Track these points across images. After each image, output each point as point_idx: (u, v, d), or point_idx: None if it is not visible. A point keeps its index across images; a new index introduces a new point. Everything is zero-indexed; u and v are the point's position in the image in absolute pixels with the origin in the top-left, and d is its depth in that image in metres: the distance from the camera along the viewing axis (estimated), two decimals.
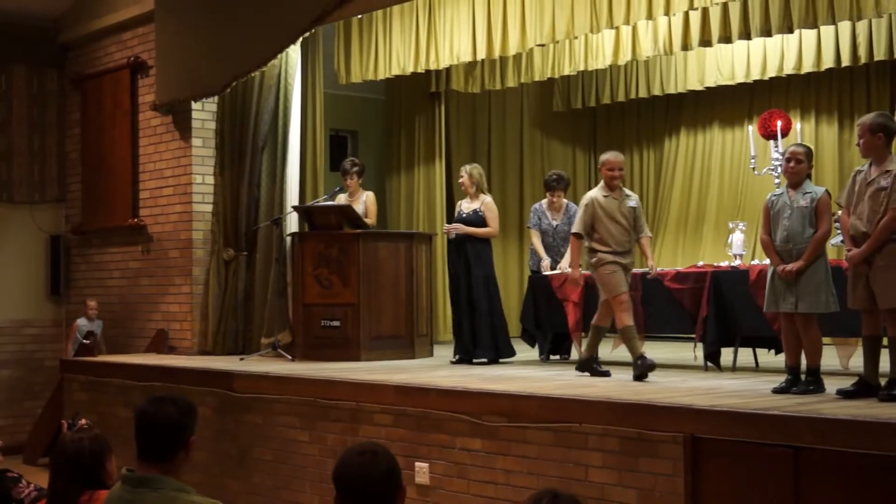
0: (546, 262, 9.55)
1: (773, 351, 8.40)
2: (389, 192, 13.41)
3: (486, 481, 6.78)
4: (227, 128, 10.77)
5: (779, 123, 9.59)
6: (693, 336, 8.38)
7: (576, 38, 10.29)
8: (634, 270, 8.19)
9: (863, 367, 6.25)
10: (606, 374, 7.84)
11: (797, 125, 10.34)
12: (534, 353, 9.68)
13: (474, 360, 9.10)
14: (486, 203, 9.24)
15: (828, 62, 11.38)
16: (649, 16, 9.13)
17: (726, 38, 9.54)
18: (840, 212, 6.56)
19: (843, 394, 6.14)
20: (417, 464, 7.14)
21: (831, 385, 6.40)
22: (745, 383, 7.12)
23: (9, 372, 12.19)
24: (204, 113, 10.91)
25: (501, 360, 9.16)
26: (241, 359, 9.84)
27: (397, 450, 7.02)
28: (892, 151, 6.29)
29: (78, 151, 12.38)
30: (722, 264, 8.64)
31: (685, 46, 10.04)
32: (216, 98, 10.71)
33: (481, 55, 10.29)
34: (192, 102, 10.76)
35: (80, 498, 4.25)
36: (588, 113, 14.44)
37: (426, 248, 10.09)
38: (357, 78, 11.46)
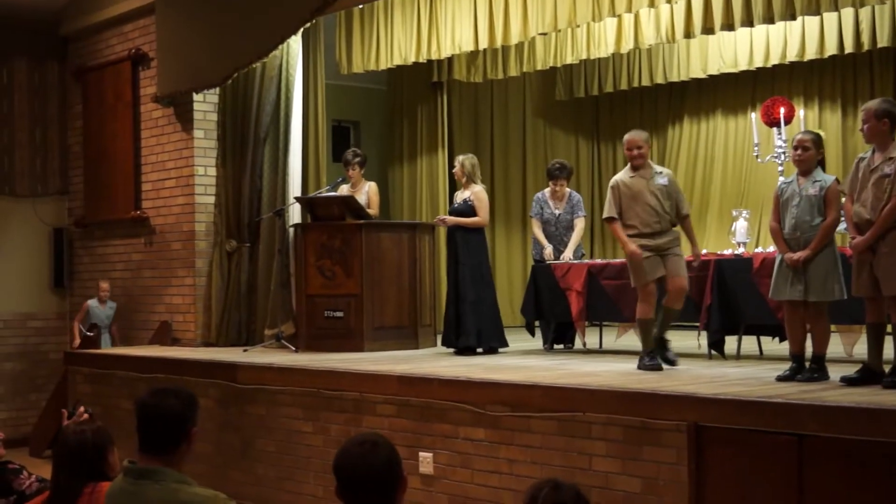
0: (548, 249, 9.54)
1: (777, 339, 8.38)
2: (392, 182, 13.39)
3: (490, 471, 6.78)
4: (228, 119, 10.75)
5: (782, 111, 9.56)
6: (697, 324, 8.36)
7: (578, 26, 10.26)
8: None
9: (867, 354, 6.25)
10: (671, 362, 7.49)
11: (800, 112, 10.30)
12: (537, 342, 9.66)
13: (457, 347, 9.04)
14: (475, 192, 9.19)
15: (831, 49, 11.34)
16: (651, 3, 9.11)
17: (729, 26, 9.50)
18: (844, 199, 6.54)
19: (847, 381, 6.13)
20: (421, 454, 7.14)
21: (835, 372, 6.39)
22: (749, 371, 7.11)
23: (13, 365, 12.20)
24: (205, 104, 10.89)
25: (489, 350, 9.08)
26: (245, 350, 9.84)
27: (401, 440, 7.03)
28: None
29: (80, 144, 12.37)
30: (725, 252, 8.62)
31: (687, 34, 10.00)
32: (218, 89, 10.69)
33: (483, 44, 10.26)
34: (194, 94, 10.74)
35: (83, 490, 4.25)
36: (591, 102, 14.42)
37: (429, 239, 10.08)
38: (359, 68, 11.43)
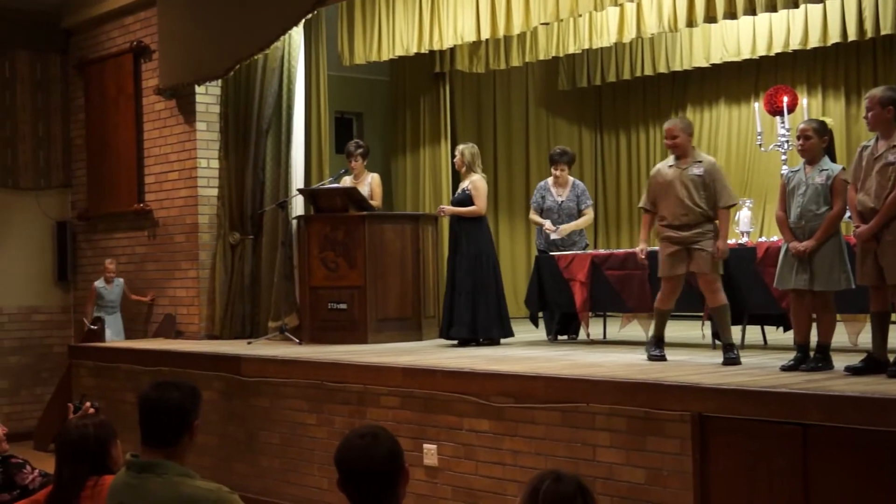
0: (547, 223, 9.53)
1: (780, 328, 8.37)
2: (395, 173, 13.37)
3: (494, 462, 6.78)
4: (231, 111, 10.74)
5: (785, 99, 9.54)
6: (701, 314, 8.34)
7: (580, 16, 10.25)
8: (634, 249, 8.01)
9: (871, 343, 6.23)
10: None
11: (803, 101, 10.28)
12: (541, 333, 9.65)
13: (448, 338, 9.04)
14: (473, 181, 9.16)
15: (834, 37, 11.31)
16: None
17: (731, 14, 9.45)
18: (848, 188, 6.51)
19: (852, 370, 6.12)
20: (425, 445, 7.14)
21: (840, 362, 6.38)
22: (754, 361, 7.09)
23: (17, 358, 12.22)
24: (208, 96, 10.89)
25: (491, 341, 9.08)
26: (249, 342, 9.84)
27: (405, 432, 7.04)
28: None
29: (82, 137, 12.37)
30: (729, 242, 8.60)
31: (690, 23, 9.96)
32: (220, 81, 10.69)
33: (485, 35, 10.23)
34: (196, 86, 10.74)
35: (86, 484, 4.25)
36: (593, 91, 14.39)
37: (432, 230, 10.07)
38: (361, 59, 11.41)
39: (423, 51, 10.95)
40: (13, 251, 12.25)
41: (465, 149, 9.31)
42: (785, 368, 6.40)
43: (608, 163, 14.58)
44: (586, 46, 11.61)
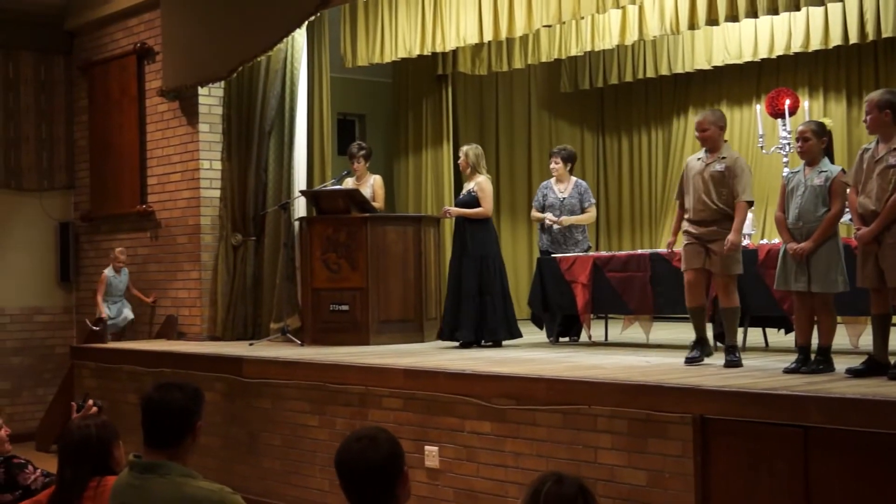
0: (548, 215, 9.55)
1: (782, 330, 8.37)
2: (397, 175, 13.39)
3: (496, 464, 6.78)
4: (233, 113, 10.76)
5: (787, 102, 9.55)
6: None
7: (582, 18, 10.26)
8: (641, 251, 7.99)
9: (872, 345, 6.24)
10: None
11: (805, 103, 10.28)
12: (542, 335, 9.66)
13: (454, 340, 9.04)
14: (479, 183, 9.15)
15: (835, 40, 11.32)
16: None
17: (733, 17, 9.46)
18: (849, 190, 6.52)
19: (853, 373, 6.12)
20: (427, 447, 7.15)
21: (841, 364, 6.38)
22: (755, 363, 7.09)
23: (20, 359, 12.23)
24: (211, 98, 10.91)
25: (503, 343, 9.09)
26: (251, 344, 9.85)
27: (406, 433, 7.04)
28: None
29: (86, 138, 12.39)
30: None
31: (692, 25, 9.98)
32: (223, 83, 10.70)
33: (488, 37, 10.24)
34: (199, 88, 10.75)
35: (89, 484, 4.26)
36: (595, 93, 14.41)
37: (434, 232, 10.08)
38: (363, 61, 11.43)
39: (425, 53, 10.97)
40: (16, 252, 12.27)
41: (470, 150, 9.30)
42: (787, 371, 6.40)
43: (610, 165, 14.59)
44: (588, 49, 11.62)
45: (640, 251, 9.37)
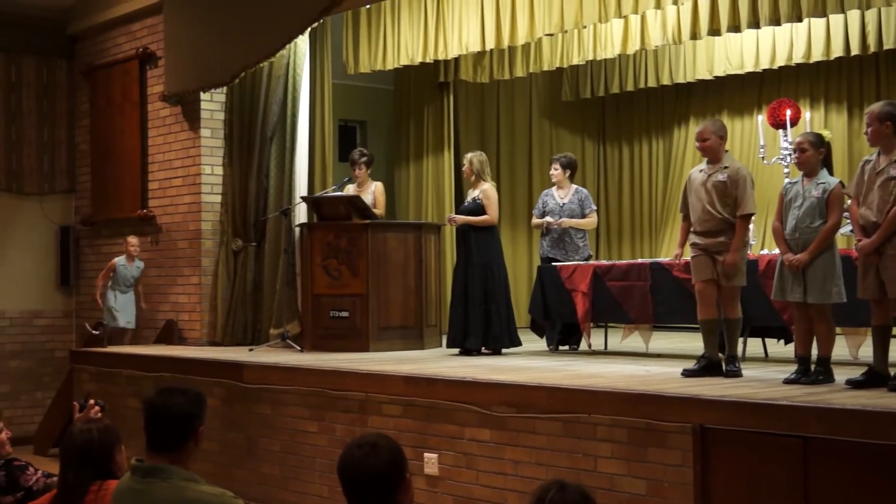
0: (547, 218, 9.59)
1: (782, 341, 8.38)
2: (398, 182, 13.41)
3: (495, 472, 6.78)
4: (235, 118, 10.77)
5: (788, 112, 9.57)
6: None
7: (584, 27, 10.27)
8: (642, 260, 7.97)
9: (872, 357, 6.24)
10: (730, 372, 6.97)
11: (806, 114, 10.31)
12: (543, 343, 9.66)
13: (464, 348, 9.03)
14: (484, 190, 9.15)
15: (837, 51, 11.35)
16: (658, 4, 9.11)
17: (735, 27, 9.50)
18: (850, 202, 6.53)
19: (853, 384, 6.13)
20: (426, 454, 7.15)
21: (841, 375, 6.39)
22: (755, 373, 7.10)
23: (19, 363, 12.23)
24: (213, 103, 10.91)
25: (503, 351, 9.09)
26: (251, 349, 9.85)
27: (406, 440, 7.04)
28: None
29: (87, 142, 12.39)
30: None
31: (694, 35, 10.01)
32: (225, 88, 10.70)
33: (490, 45, 10.26)
34: (201, 93, 10.75)
35: (90, 488, 4.26)
36: (597, 102, 14.43)
37: (435, 239, 10.09)
38: (366, 68, 11.45)
39: (427, 60, 10.99)
40: (16, 255, 12.28)
41: (474, 157, 9.30)
42: (787, 381, 6.40)
43: (611, 174, 14.61)
44: (590, 58, 11.64)
45: (640, 260, 9.39)
